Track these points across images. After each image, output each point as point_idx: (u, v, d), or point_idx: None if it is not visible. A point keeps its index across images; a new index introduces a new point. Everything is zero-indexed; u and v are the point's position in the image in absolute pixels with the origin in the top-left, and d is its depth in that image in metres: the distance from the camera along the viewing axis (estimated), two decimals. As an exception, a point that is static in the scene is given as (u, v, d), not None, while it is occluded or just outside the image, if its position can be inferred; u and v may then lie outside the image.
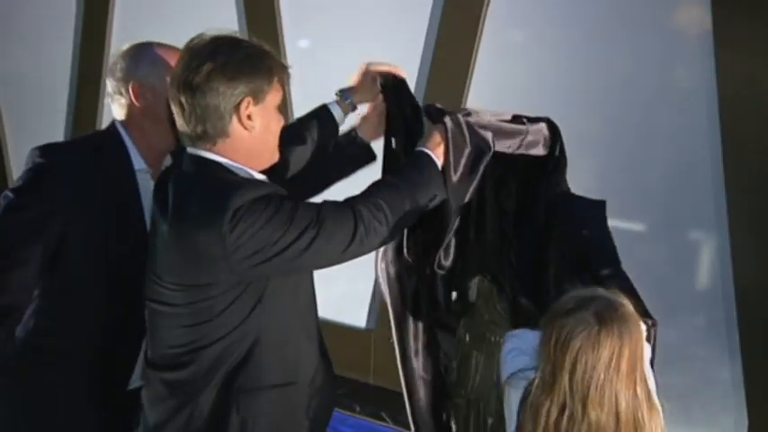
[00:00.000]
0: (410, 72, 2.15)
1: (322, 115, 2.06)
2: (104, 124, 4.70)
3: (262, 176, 1.74)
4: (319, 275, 1.94)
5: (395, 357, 2.18)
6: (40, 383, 1.96)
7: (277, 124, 1.77)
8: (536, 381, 1.51)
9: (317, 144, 2.05)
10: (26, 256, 1.86)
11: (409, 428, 3.41)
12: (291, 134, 1.95)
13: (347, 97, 2.06)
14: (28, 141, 2.30)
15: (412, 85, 2.09)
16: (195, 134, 1.68)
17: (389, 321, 2.15)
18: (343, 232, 1.67)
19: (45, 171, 1.91)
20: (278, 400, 1.75)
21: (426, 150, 1.84)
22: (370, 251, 1.81)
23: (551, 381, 1.49)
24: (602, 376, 1.47)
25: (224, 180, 1.66)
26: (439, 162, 1.83)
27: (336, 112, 2.06)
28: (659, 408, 1.53)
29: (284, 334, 1.76)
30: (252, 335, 1.70)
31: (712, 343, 2.78)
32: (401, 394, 3.62)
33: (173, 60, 1.95)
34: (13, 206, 1.89)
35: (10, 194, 1.90)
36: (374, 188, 1.78)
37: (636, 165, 2.97)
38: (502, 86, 3.21)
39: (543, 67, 3.21)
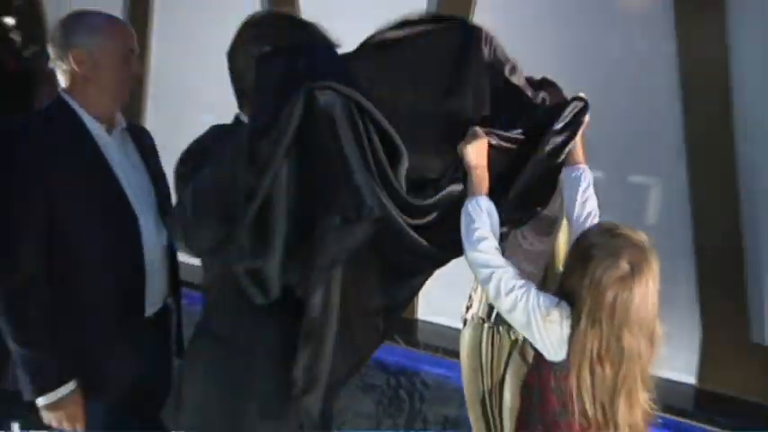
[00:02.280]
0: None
1: None
2: (149, 107, 4.78)
3: None
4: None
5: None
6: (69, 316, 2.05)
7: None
8: (581, 323, 1.68)
9: None
10: (28, 237, 1.96)
11: (418, 347, 3.61)
12: None
13: None
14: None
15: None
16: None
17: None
18: None
19: (7, 148, 1.95)
20: None
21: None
22: None
23: (592, 320, 1.68)
24: (633, 315, 1.67)
25: None
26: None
27: None
28: None
29: None
30: None
31: (670, 270, 3.04)
32: (412, 319, 3.83)
33: (109, 28, 2.07)
34: None
35: None
36: None
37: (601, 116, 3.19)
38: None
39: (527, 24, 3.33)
